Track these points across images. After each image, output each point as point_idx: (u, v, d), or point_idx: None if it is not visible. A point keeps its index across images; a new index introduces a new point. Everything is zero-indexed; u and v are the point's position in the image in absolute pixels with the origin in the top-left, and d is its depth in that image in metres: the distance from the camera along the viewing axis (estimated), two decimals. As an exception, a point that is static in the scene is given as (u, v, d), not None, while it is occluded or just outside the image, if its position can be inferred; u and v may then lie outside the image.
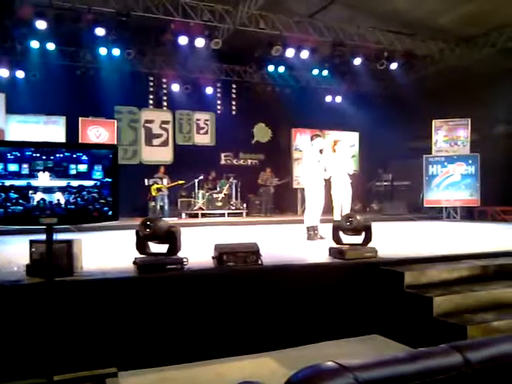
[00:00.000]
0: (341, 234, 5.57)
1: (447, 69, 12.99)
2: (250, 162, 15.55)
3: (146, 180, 13.02)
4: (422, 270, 5.17)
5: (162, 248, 4.50)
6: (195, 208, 13.64)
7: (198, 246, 6.32)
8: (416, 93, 13.13)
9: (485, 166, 12.47)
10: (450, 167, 13.09)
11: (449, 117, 13.24)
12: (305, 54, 12.24)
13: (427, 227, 10.50)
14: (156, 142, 14.68)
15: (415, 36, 12.46)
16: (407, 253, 5.91)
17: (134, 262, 4.46)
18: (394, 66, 13.09)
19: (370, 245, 5.44)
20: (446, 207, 13.03)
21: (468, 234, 9.16)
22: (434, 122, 13.41)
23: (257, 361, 4.17)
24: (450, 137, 13.43)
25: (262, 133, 15.71)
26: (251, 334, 4.52)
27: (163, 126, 14.77)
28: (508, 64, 11.94)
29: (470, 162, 12.94)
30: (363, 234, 5.43)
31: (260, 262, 4.77)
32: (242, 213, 13.76)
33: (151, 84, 14.15)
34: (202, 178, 13.84)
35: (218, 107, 15.15)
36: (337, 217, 7.73)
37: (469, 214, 12.79)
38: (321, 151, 7.73)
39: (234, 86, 14.90)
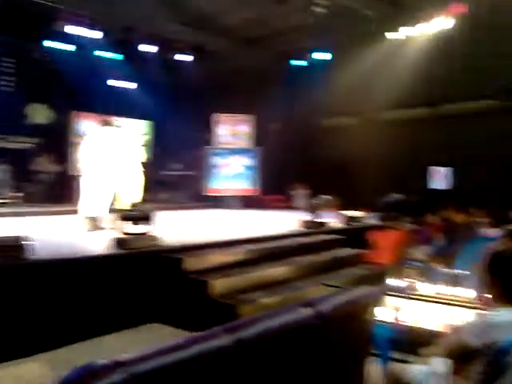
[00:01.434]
0: (125, 223, 5.44)
1: (236, 66, 13.82)
2: (23, 145, 13.93)
3: None
4: (201, 256, 5.43)
5: None
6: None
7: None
8: (206, 86, 13.69)
9: (265, 159, 13.76)
10: (233, 159, 14.06)
11: (234, 112, 14.16)
12: (95, 35, 11.62)
13: (209, 215, 11.08)
14: None
15: (206, 31, 12.87)
16: (189, 240, 6.13)
17: None
18: (183, 57, 13.38)
19: (154, 233, 5.46)
20: (227, 196, 13.94)
21: (245, 221, 9.98)
22: (217, 115, 14.17)
23: (24, 366, 3.78)
24: (233, 130, 14.42)
25: (39, 114, 14.21)
26: (19, 336, 4.07)
27: None
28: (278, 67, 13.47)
29: (252, 155, 14.13)
30: (147, 222, 5.41)
31: (25, 257, 4.29)
32: (14, 202, 12.26)
33: None
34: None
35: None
36: (121, 206, 7.53)
37: (248, 202, 13.90)
38: (108, 138, 7.40)
39: (7, 60, 13.09)
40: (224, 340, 1.66)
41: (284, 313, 2.03)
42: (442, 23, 10.42)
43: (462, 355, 2.41)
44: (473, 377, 2.33)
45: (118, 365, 1.34)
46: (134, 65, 13.74)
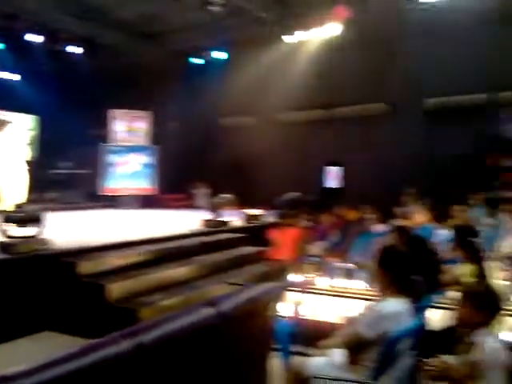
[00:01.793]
0: (9, 225, 4.99)
1: (133, 61, 13.34)
2: None
3: None
4: (96, 259, 5.16)
5: None
6: None
7: None
8: (101, 81, 13.03)
9: (163, 158, 13.45)
10: (130, 157, 13.56)
11: (130, 108, 13.65)
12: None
13: (106, 216, 10.59)
14: None
15: (100, 24, 12.26)
16: (83, 242, 5.79)
17: None
18: (72, 49, 12.65)
19: (43, 236, 5.07)
20: (124, 195, 13.42)
21: (144, 220, 9.69)
22: (113, 111, 13.59)
23: None
24: (130, 127, 13.89)
25: None
26: None
27: None
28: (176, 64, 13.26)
29: (150, 153, 13.73)
30: (35, 224, 5.01)
31: None
32: None
33: None
34: None
35: None
36: (4, 207, 6.91)
37: (147, 202, 13.50)
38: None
39: None
40: (123, 346, 1.58)
41: (185, 314, 1.99)
42: (332, 28, 10.95)
43: (357, 346, 2.53)
44: (368, 365, 2.46)
45: (3, 380, 1.20)
46: (18, 55, 12.69)
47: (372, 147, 11.13)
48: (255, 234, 7.67)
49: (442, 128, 10.51)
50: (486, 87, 10.16)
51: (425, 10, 9.88)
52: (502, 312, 2.71)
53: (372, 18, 10.31)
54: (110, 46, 13.29)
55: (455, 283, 3.70)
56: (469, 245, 4.00)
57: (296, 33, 11.49)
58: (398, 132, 10.88)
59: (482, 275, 3.73)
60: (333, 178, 12.23)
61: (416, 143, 10.59)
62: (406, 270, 2.69)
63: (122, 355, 1.55)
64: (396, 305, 2.55)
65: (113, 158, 13.48)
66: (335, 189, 12.01)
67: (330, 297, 4.33)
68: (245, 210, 9.04)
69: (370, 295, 3.71)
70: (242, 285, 4.94)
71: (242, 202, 9.31)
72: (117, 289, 4.73)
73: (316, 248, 6.38)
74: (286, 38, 11.69)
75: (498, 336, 2.63)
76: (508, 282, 4.23)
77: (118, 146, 13.64)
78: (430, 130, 10.66)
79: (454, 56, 10.13)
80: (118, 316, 4.42)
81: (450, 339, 2.59)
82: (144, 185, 13.67)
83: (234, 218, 8.65)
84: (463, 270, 3.84)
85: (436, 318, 3.42)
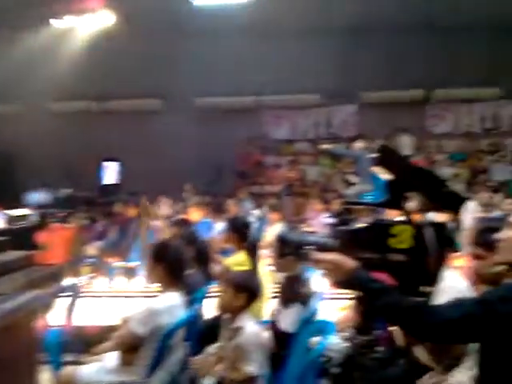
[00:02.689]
0: None
1: None
2: None
3: None
4: None
5: None
6: None
7: None
8: None
9: None
10: None
11: None
12: None
13: None
14: None
15: None
16: None
17: None
18: None
19: None
20: None
21: None
22: None
23: None
24: None
25: None
26: None
27: None
28: None
29: None
30: None
31: None
32: None
33: None
34: None
35: None
36: None
37: None
38: None
39: None
40: None
41: None
42: (105, 17, 10.41)
43: (131, 345, 2.50)
44: (142, 363, 2.45)
45: None
46: None
47: (149, 143, 11.13)
48: (21, 236, 6.89)
49: (214, 127, 11.14)
50: (253, 91, 11.17)
51: (200, 11, 10.19)
52: (263, 296, 3.01)
53: (147, 12, 10.23)
54: None
55: (228, 272, 3.95)
56: (240, 235, 4.29)
57: (66, 18, 10.61)
58: (173, 129, 11.10)
59: (252, 263, 4.06)
60: (110, 173, 11.83)
61: (190, 140, 10.99)
62: (178, 263, 2.74)
63: None
64: (169, 298, 2.59)
65: None
66: (113, 185, 11.64)
67: (109, 299, 4.19)
68: (7, 211, 8.03)
69: (151, 293, 3.70)
70: (4, 294, 4.40)
71: (5, 201, 8.28)
72: None
73: (93, 248, 6.09)
74: (55, 23, 10.72)
75: (259, 320, 2.90)
76: (272, 268, 4.72)
77: None
78: (202, 129, 11.20)
79: (213, 57, 10.74)
80: None
81: (217, 327, 2.75)
82: None
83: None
84: (236, 260, 4.10)
85: (210, 308, 3.61)
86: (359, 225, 1.61)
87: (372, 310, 1.56)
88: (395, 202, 1.61)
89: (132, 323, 2.51)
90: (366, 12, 9.70)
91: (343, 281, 1.55)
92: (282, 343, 2.70)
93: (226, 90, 11.07)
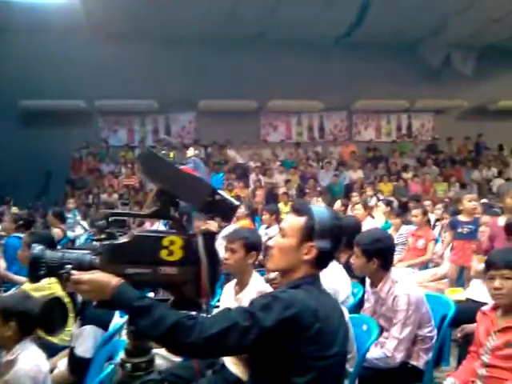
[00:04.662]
0: None
1: None
2: None
3: None
4: None
5: None
6: None
7: None
8: None
9: None
10: None
11: None
12: None
13: None
14: None
15: None
16: None
17: None
18: None
19: None
20: None
21: None
22: None
23: None
24: None
25: None
26: None
27: None
28: None
29: None
30: None
31: None
32: None
33: None
34: None
35: None
36: None
37: None
38: None
39: None
40: None
41: None
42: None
43: None
44: None
45: None
46: None
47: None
48: None
49: (44, 129, 10.19)
50: (87, 94, 10.47)
51: (20, 7, 9.22)
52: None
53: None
54: None
55: None
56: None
57: None
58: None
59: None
60: None
61: (14, 143, 9.91)
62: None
63: None
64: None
65: None
66: None
67: None
68: None
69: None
70: None
71: None
72: None
73: None
74: None
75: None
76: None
77: None
78: (29, 131, 10.22)
79: (66, 61, 9.98)
80: None
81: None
82: None
83: None
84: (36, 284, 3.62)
85: None
86: (125, 239, 1.48)
87: (138, 331, 1.44)
88: (163, 212, 1.53)
89: None
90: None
91: (105, 301, 1.41)
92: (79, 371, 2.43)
93: (56, 93, 10.12)
